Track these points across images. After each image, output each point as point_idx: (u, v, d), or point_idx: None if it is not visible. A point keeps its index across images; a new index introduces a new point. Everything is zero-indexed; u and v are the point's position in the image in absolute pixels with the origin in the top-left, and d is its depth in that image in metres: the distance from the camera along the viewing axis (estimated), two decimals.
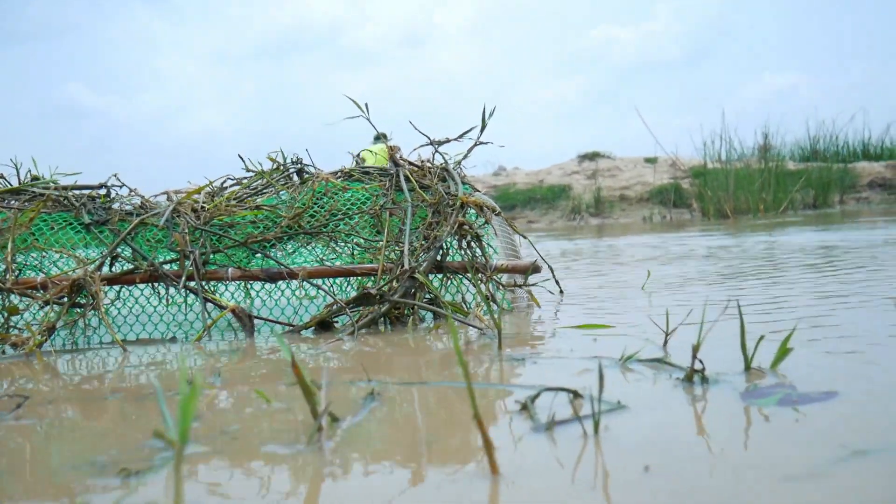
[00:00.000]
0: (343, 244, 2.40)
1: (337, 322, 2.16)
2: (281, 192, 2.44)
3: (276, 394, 1.37)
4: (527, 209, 15.79)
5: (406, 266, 2.08)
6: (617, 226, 11.95)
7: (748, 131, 24.99)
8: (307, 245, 2.46)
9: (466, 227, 2.28)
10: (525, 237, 2.68)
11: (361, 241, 2.33)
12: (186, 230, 2.17)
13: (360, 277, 2.31)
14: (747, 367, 1.32)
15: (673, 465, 0.88)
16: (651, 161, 16.30)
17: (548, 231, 11.30)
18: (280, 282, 2.30)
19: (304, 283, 2.24)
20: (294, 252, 2.49)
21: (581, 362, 1.50)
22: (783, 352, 1.33)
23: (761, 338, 1.35)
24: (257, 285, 2.53)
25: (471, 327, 1.98)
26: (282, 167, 2.57)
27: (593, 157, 16.92)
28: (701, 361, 1.28)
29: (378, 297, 2.06)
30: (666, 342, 1.59)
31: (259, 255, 2.28)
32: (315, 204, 2.40)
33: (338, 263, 2.33)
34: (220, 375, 1.59)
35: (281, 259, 2.42)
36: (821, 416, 1.03)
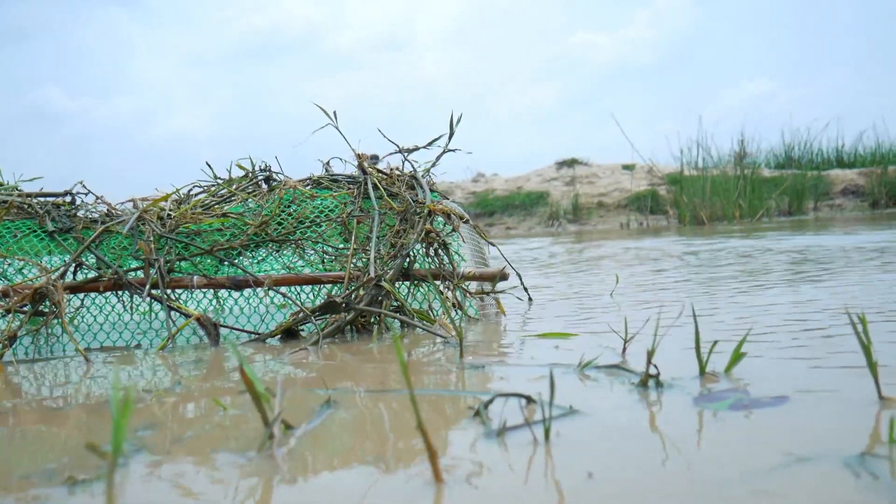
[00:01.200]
0: (314, 253, 2.40)
1: (303, 330, 2.15)
2: (248, 200, 2.44)
3: (235, 402, 1.36)
4: (505, 215, 15.82)
5: (372, 274, 2.08)
6: (594, 232, 12.00)
7: (725, 138, 25.24)
8: (277, 253, 2.46)
9: (434, 234, 2.28)
10: (494, 244, 2.69)
11: (329, 248, 2.32)
12: (152, 238, 2.16)
13: (333, 285, 2.30)
14: (702, 372, 1.34)
15: (616, 470, 0.89)
16: (629, 168, 16.40)
17: (526, 236, 11.33)
18: (247, 290, 2.29)
19: (274, 291, 2.23)
20: (264, 260, 2.49)
21: (540, 369, 1.50)
22: (737, 356, 1.34)
23: (715, 343, 1.36)
24: (232, 295, 2.52)
25: (436, 335, 1.98)
26: (250, 174, 2.56)
27: (571, 163, 17.00)
28: (655, 366, 1.29)
29: (344, 305, 2.06)
30: (625, 349, 1.60)
31: (228, 263, 2.27)
32: (283, 212, 2.40)
33: (306, 271, 2.32)
34: (181, 383, 1.58)
35: (252, 267, 2.41)
36: (769, 422, 1.05)
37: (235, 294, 2.51)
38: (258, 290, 2.33)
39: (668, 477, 0.85)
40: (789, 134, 20.43)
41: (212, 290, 2.50)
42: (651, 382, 1.29)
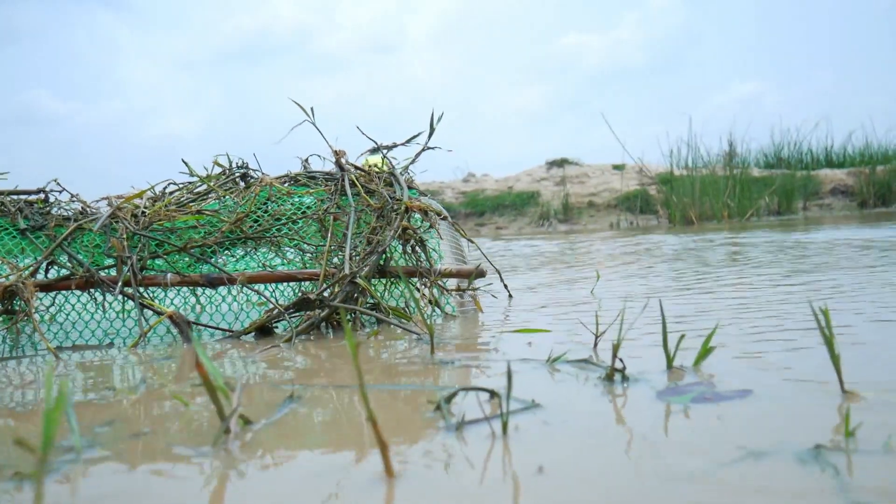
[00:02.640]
0: (297, 252, 2.38)
1: (277, 327, 2.14)
2: (226, 198, 2.42)
3: (199, 398, 1.35)
4: (496, 215, 15.82)
5: (346, 271, 2.07)
6: (584, 231, 12.01)
7: (715, 139, 25.28)
8: (255, 250, 2.44)
9: (410, 231, 2.27)
10: (473, 242, 2.67)
11: (304, 245, 2.31)
12: (125, 235, 2.14)
13: (316, 283, 2.29)
14: (669, 366, 1.33)
15: (570, 463, 0.88)
16: (619, 168, 16.42)
17: (516, 236, 11.32)
18: (229, 287, 2.27)
19: (249, 289, 2.21)
20: (244, 257, 2.47)
21: (508, 363, 1.49)
22: (704, 351, 1.33)
23: (682, 337, 1.36)
24: (219, 292, 2.50)
25: (411, 332, 1.97)
26: (227, 171, 2.55)
27: (562, 163, 17.01)
28: (621, 360, 1.28)
29: (318, 301, 2.04)
30: (596, 344, 1.59)
31: (202, 261, 2.25)
32: (259, 209, 2.38)
33: (282, 269, 2.31)
34: (146, 380, 1.56)
35: (232, 265, 2.40)
36: (729, 415, 1.04)
37: (221, 291, 2.49)
38: (235, 287, 2.31)
39: (621, 470, 0.84)
40: (779, 134, 20.49)
41: (192, 288, 2.48)
42: (618, 377, 1.28)
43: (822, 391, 1.12)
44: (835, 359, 1.10)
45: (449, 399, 1.17)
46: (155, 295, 2.33)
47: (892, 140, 19.82)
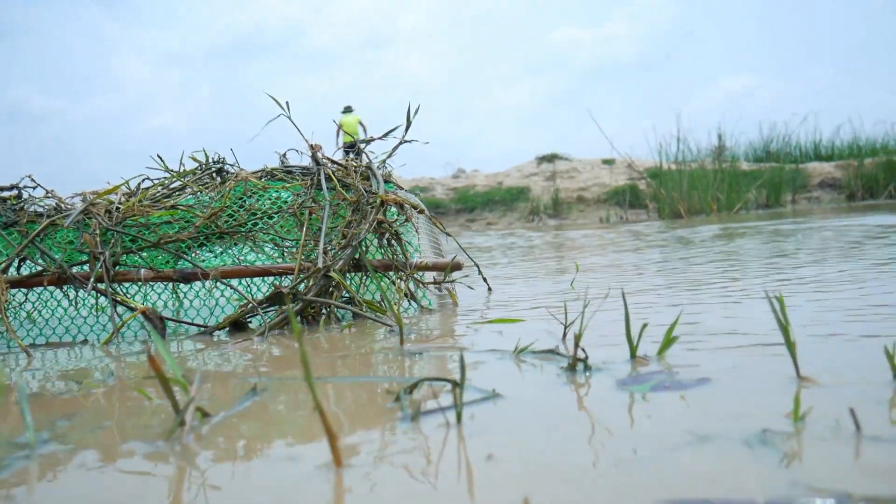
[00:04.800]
0: (274, 247, 2.37)
1: (251, 322, 2.13)
2: (200, 193, 2.41)
3: (163, 392, 1.34)
4: (486, 211, 15.83)
5: (320, 264, 2.07)
6: (574, 226, 12.02)
7: (704, 133, 25.35)
8: (234, 246, 2.43)
9: (386, 224, 2.27)
10: (450, 235, 2.67)
11: (279, 239, 2.30)
12: (98, 231, 2.13)
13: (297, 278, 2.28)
14: (633, 356, 1.33)
15: (521, 451, 0.88)
16: (609, 162, 16.45)
17: (506, 231, 11.34)
18: (209, 283, 2.26)
19: (227, 283, 2.21)
20: (221, 254, 2.46)
21: (478, 355, 1.49)
22: (668, 340, 1.34)
23: (644, 326, 1.36)
24: (186, 288, 2.49)
25: (384, 324, 1.97)
26: (203, 166, 2.54)
27: (552, 158, 17.03)
28: (584, 351, 1.29)
29: (291, 296, 2.04)
30: (565, 334, 1.59)
31: (177, 256, 2.24)
32: (235, 203, 2.38)
33: (257, 264, 2.30)
34: (114, 375, 1.56)
35: (208, 261, 2.39)
36: (685, 403, 1.04)
37: (196, 287, 2.48)
38: (210, 283, 2.31)
39: (571, 456, 0.84)
40: (768, 128, 20.56)
41: (175, 285, 2.47)
42: (581, 366, 1.28)
43: (780, 377, 1.12)
44: (790, 346, 1.10)
45: (410, 390, 1.17)
46: (136, 290, 2.32)
47: (879, 133, 19.88)
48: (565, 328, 1.60)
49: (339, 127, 14.56)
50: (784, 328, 1.10)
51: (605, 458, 0.82)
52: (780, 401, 1.01)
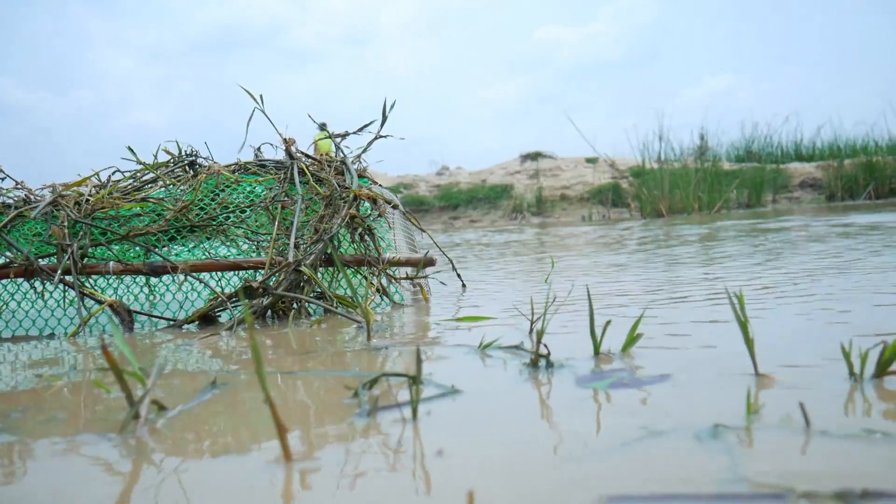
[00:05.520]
0: (249, 242, 2.35)
1: (221, 316, 2.11)
2: (171, 187, 2.39)
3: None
4: (469, 208, 15.83)
5: (290, 259, 2.05)
6: (556, 224, 12.05)
7: (687, 133, 25.46)
8: (207, 240, 2.41)
9: (359, 219, 2.26)
10: (424, 231, 2.67)
11: (251, 234, 2.29)
12: (66, 223, 2.11)
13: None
14: (596, 353, 1.33)
15: (472, 446, 0.87)
16: (592, 161, 16.49)
17: (490, 229, 11.36)
18: (166, 276, 2.25)
19: (197, 277, 2.19)
20: (194, 248, 2.44)
21: (444, 350, 1.49)
22: (632, 337, 1.34)
23: (608, 323, 1.36)
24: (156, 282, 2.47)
25: (353, 320, 1.96)
26: (175, 159, 2.51)
27: (535, 156, 17.05)
28: (546, 346, 1.28)
29: (261, 290, 2.02)
30: (532, 330, 1.59)
31: (146, 249, 2.22)
32: (207, 197, 2.36)
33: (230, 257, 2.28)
34: (76, 368, 1.54)
35: (181, 255, 2.37)
36: (640, 399, 1.04)
37: (166, 280, 2.46)
38: (179, 276, 2.29)
39: (522, 451, 0.84)
40: (750, 128, 20.69)
41: (146, 278, 2.45)
42: (543, 362, 1.28)
43: (739, 374, 1.13)
44: (749, 342, 1.10)
45: (371, 385, 1.16)
46: (106, 284, 2.30)
47: (860, 134, 20.06)
48: (532, 324, 1.60)
49: (315, 145, 14.46)
50: (743, 325, 1.10)
51: (556, 453, 0.82)
52: (737, 397, 1.01)
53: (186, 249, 2.43)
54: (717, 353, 1.32)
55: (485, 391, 1.14)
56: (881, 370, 1.04)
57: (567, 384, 1.15)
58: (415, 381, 1.05)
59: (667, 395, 1.05)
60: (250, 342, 0.83)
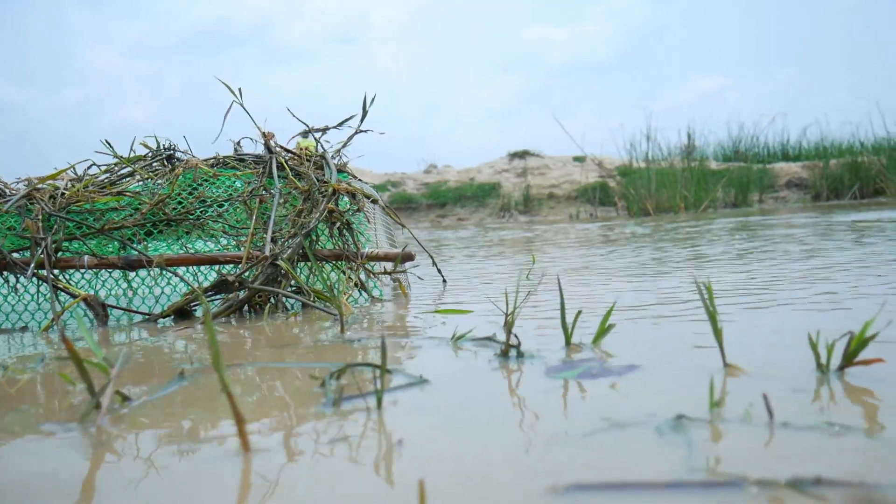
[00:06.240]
0: (228, 238, 2.34)
1: (196, 310, 2.10)
2: (149, 181, 2.37)
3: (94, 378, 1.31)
4: (457, 207, 15.81)
5: (267, 252, 2.04)
6: (543, 222, 12.06)
7: (675, 133, 25.52)
8: (184, 236, 2.39)
9: (337, 214, 2.25)
10: (404, 226, 2.66)
11: (229, 228, 2.27)
12: (41, 216, 2.09)
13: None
14: (567, 343, 1.32)
15: (434, 435, 0.86)
16: (580, 160, 16.50)
17: (477, 227, 11.35)
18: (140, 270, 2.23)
19: (172, 272, 2.17)
20: (172, 244, 2.42)
21: (416, 342, 1.48)
22: (602, 329, 1.33)
23: (578, 313, 1.36)
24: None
25: (330, 314, 1.95)
26: (153, 153, 2.49)
27: (523, 155, 17.04)
28: (517, 337, 1.28)
29: (237, 284, 2.01)
30: (506, 322, 1.59)
31: (121, 243, 2.20)
32: (184, 191, 2.34)
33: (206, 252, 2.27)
34: (44, 360, 1.52)
35: (158, 250, 2.35)
36: (607, 390, 1.03)
37: (142, 274, 2.44)
38: (155, 270, 2.27)
39: (483, 440, 0.83)
40: (737, 128, 20.78)
41: (123, 273, 2.43)
42: (514, 353, 1.27)
43: (707, 365, 1.12)
44: (717, 333, 1.10)
45: (338, 375, 1.15)
46: (80, 277, 2.28)
47: (845, 135, 20.19)
48: (506, 316, 1.59)
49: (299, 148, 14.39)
50: (711, 316, 1.10)
51: (515, 443, 0.81)
52: (703, 388, 1.01)
53: (165, 245, 2.41)
54: (689, 345, 1.32)
55: (453, 381, 1.14)
56: (847, 361, 1.04)
57: (535, 374, 1.14)
58: (381, 370, 1.04)
59: (633, 386, 1.04)
60: (207, 332, 0.82)
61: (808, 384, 1.00)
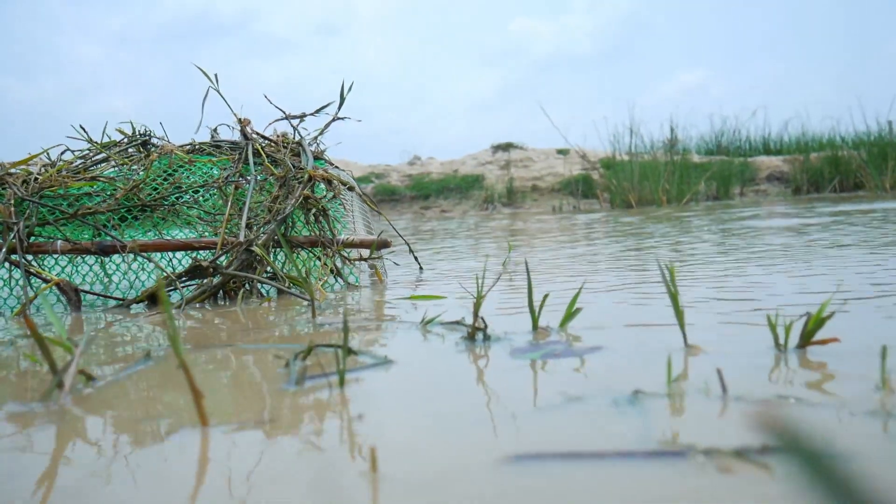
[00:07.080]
0: (205, 225, 2.33)
1: (171, 296, 2.09)
2: (124, 167, 2.36)
3: (59, 358, 1.31)
4: (441, 199, 15.81)
5: (242, 238, 2.04)
6: (526, 214, 12.08)
7: (658, 126, 25.63)
8: (160, 223, 2.38)
9: (313, 200, 2.25)
10: (381, 213, 2.66)
11: (205, 214, 2.27)
12: (12, 201, 2.07)
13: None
14: (535, 327, 1.33)
15: (394, 411, 0.87)
16: (563, 153, 16.54)
17: (460, 219, 11.35)
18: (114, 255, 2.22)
19: (146, 257, 2.17)
20: (148, 230, 2.41)
21: (385, 325, 1.49)
22: (569, 312, 1.34)
23: (545, 297, 1.37)
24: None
25: (303, 299, 1.95)
26: (128, 138, 2.48)
27: (507, 147, 17.06)
28: (483, 320, 1.29)
29: (211, 269, 2.01)
30: (474, 305, 1.59)
31: (95, 228, 2.19)
32: (159, 177, 2.33)
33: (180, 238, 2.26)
34: (13, 344, 1.52)
35: (132, 236, 2.34)
36: (568, 369, 1.04)
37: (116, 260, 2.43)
38: (135, 256, 2.26)
39: (441, 415, 0.84)
40: (719, 121, 20.88)
41: (98, 258, 2.42)
42: (480, 335, 1.28)
43: (669, 346, 1.14)
44: (678, 313, 1.11)
45: (305, 356, 1.16)
46: (54, 263, 2.27)
47: (826, 129, 20.37)
48: (476, 300, 1.60)
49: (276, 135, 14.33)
50: (673, 297, 1.11)
51: (471, 417, 0.82)
52: (663, 366, 1.02)
53: (140, 233, 2.40)
54: (656, 328, 1.33)
55: (418, 362, 1.14)
56: (804, 341, 1.06)
57: (500, 356, 1.15)
58: (343, 349, 1.05)
59: (595, 365, 1.05)
60: (165, 311, 0.82)
61: (765, 362, 1.02)
